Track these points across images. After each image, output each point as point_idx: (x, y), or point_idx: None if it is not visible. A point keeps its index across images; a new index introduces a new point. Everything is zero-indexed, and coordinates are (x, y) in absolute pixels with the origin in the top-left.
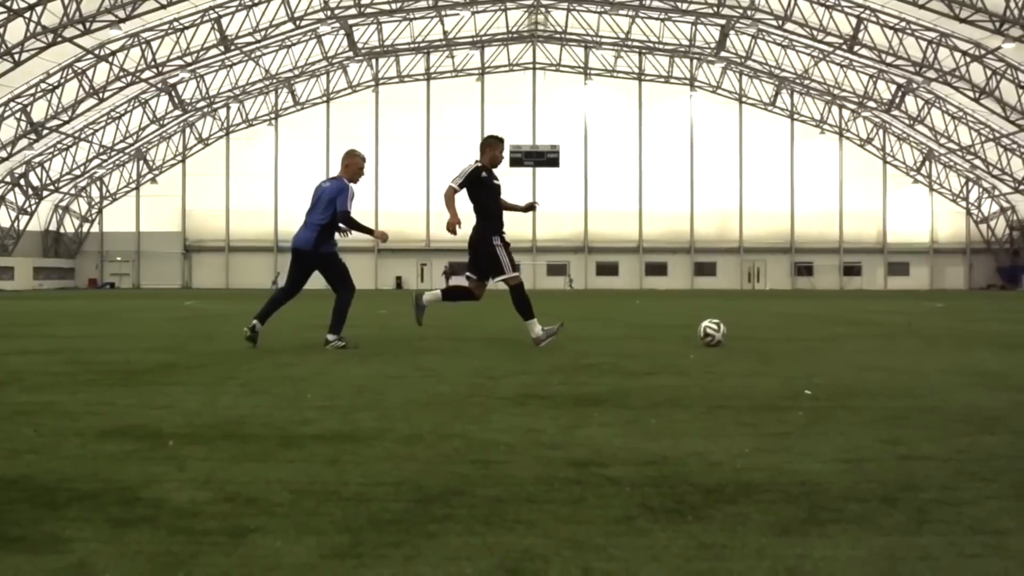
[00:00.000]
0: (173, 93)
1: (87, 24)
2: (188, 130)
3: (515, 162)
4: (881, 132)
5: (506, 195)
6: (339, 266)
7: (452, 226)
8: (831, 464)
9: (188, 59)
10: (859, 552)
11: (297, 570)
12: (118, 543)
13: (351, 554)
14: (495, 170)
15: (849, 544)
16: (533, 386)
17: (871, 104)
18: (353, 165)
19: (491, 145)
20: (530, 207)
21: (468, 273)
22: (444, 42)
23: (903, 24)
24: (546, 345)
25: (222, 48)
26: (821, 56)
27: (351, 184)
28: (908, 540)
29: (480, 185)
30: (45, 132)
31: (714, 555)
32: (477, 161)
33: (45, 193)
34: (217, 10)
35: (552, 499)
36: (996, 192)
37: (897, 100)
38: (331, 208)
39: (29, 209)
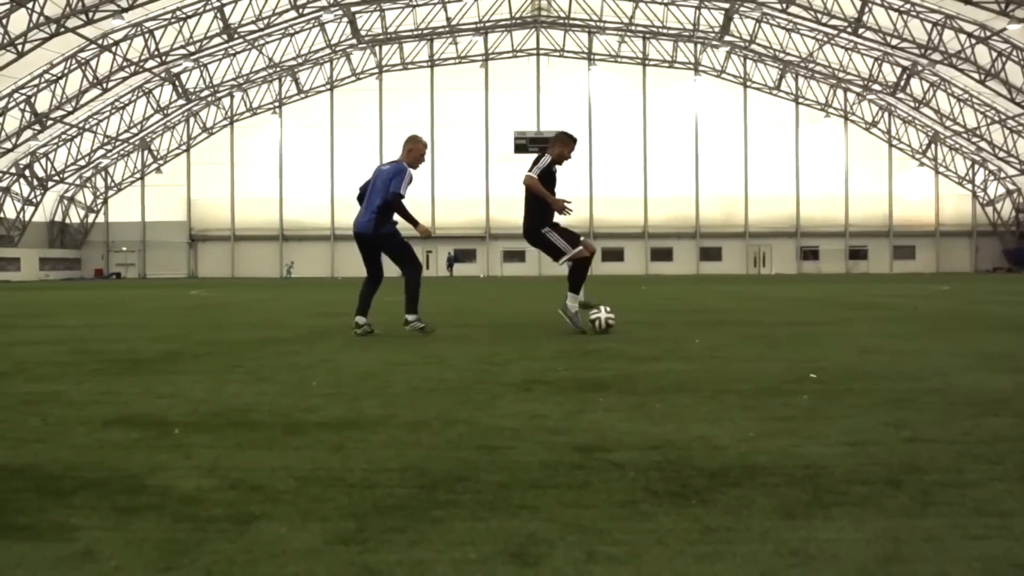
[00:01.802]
0: (177, 82)
1: (90, 14)
2: (192, 119)
3: (519, 148)
4: (886, 115)
5: (511, 183)
6: (402, 244)
7: (562, 205)
8: (836, 447)
9: (191, 48)
10: (863, 534)
11: (302, 556)
12: (124, 531)
13: (356, 540)
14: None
15: (853, 527)
16: (538, 372)
17: (876, 87)
18: (416, 151)
19: (563, 142)
20: None
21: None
22: (447, 28)
23: (908, 6)
24: (563, 319)
25: (225, 37)
26: (826, 39)
27: (411, 169)
28: (912, 522)
29: (546, 179)
30: (49, 123)
31: (718, 538)
32: (548, 155)
33: (50, 184)
34: None
35: (557, 484)
36: (1002, 174)
37: (902, 83)
38: (387, 189)
39: (34, 200)
